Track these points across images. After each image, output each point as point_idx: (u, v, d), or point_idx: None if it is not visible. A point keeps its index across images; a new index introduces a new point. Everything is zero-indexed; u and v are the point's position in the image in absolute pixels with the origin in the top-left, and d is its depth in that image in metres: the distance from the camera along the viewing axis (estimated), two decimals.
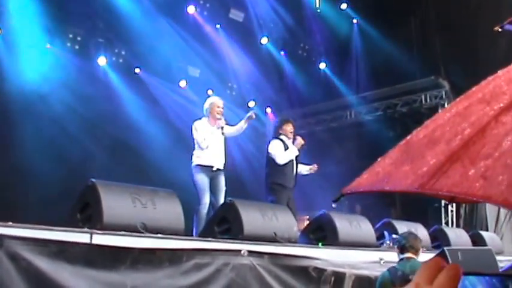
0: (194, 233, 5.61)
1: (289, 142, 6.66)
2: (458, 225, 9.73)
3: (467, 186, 0.89)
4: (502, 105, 0.96)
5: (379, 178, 1.14)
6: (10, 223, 3.34)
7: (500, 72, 1.11)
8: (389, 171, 1.14)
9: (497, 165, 0.86)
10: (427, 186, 0.98)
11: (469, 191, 0.88)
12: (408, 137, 1.18)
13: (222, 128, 6.17)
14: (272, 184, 6.53)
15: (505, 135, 0.94)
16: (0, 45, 8.39)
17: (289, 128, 6.72)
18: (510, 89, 1.05)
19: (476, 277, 0.64)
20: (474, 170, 0.89)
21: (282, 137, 6.67)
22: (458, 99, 1.13)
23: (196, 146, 6.09)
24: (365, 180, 1.18)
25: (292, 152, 6.60)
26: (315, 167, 6.95)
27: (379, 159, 1.26)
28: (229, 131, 6.36)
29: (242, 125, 6.40)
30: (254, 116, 6.50)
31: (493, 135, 0.92)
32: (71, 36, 9.22)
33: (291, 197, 6.58)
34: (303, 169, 6.91)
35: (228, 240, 4.44)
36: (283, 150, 6.57)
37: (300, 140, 6.64)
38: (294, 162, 6.68)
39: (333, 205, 5.31)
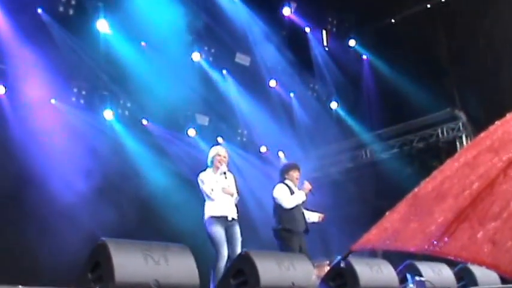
0: None
1: (295, 188, 6.52)
2: None
3: (475, 251, 0.80)
4: (511, 155, 0.89)
5: (388, 235, 1.06)
6: (20, 286, 3.27)
7: (508, 115, 1.04)
8: (398, 228, 1.06)
9: (505, 228, 0.79)
10: (436, 248, 0.89)
11: (477, 257, 0.80)
12: (416, 189, 1.10)
13: (224, 173, 5.95)
14: (281, 231, 6.33)
15: None
16: (5, 103, 8.29)
17: (295, 174, 6.57)
18: None
19: None
20: (482, 232, 0.81)
21: (287, 181, 6.53)
22: (467, 146, 1.06)
23: (206, 198, 5.92)
24: (374, 236, 1.10)
25: (299, 197, 6.44)
26: (322, 215, 6.72)
27: (387, 213, 1.18)
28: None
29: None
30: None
31: (502, 191, 0.85)
32: (75, 90, 9.02)
33: (302, 243, 6.35)
34: (312, 216, 6.68)
35: None
36: (289, 194, 6.41)
37: (307, 185, 6.43)
38: (302, 207, 6.50)
39: (342, 264, 5.09)
